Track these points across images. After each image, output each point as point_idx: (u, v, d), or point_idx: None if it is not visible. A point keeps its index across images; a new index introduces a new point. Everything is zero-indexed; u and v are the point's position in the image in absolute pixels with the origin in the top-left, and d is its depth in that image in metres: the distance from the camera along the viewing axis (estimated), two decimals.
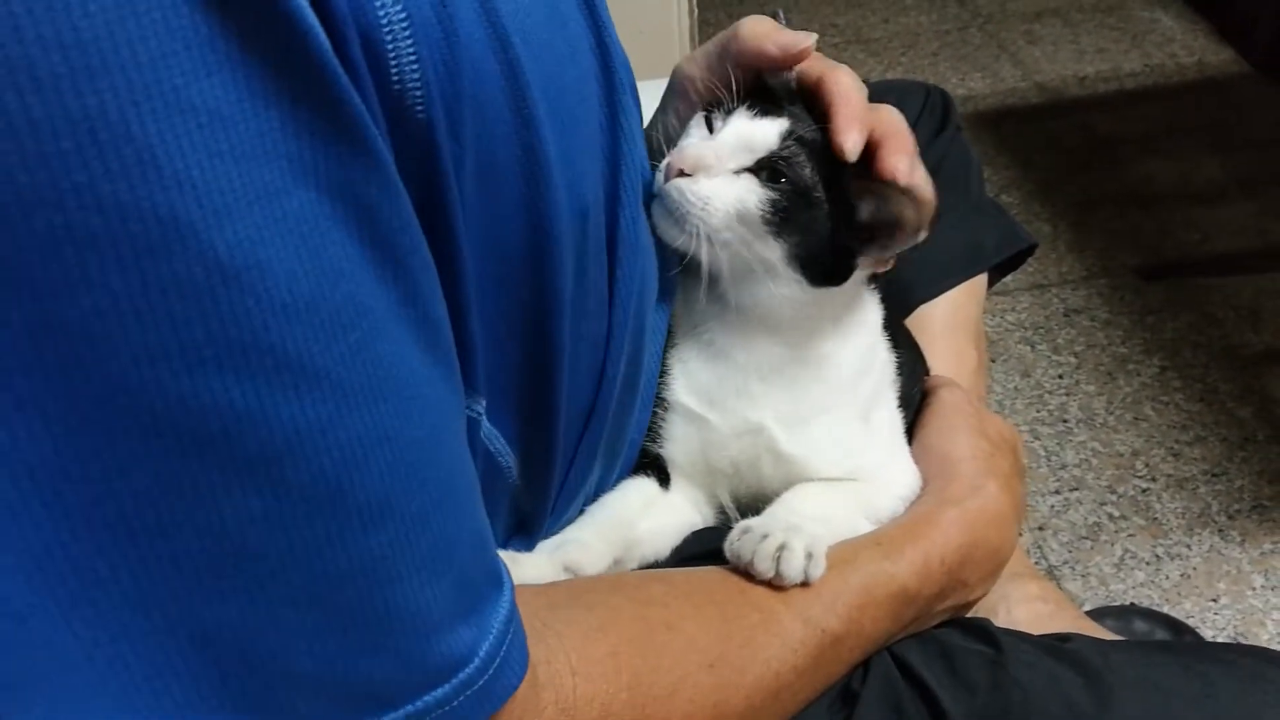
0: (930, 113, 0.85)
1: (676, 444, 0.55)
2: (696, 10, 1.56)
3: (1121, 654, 0.52)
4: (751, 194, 0.50)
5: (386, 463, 0.30)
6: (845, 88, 0.51)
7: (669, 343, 0.56)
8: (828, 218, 0.51)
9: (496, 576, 0.36)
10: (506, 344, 0.41)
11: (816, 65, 0.54)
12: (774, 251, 0.50)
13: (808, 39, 0.52)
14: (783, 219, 0.49)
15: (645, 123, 0.53)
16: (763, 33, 0.52)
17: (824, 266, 0.51)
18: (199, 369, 0.26)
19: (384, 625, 0.31)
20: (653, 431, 0.56)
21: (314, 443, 0.28)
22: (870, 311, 0.57)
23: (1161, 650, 0.55)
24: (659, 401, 0.55)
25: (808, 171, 0.50)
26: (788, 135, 0.51)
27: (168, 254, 0.25)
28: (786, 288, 0.51)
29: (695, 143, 0.52)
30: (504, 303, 0.40)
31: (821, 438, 0.54)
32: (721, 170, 0.50)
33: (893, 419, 0.58)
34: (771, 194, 0.50)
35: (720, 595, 0.46)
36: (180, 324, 0.25)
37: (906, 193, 0.49)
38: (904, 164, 0.50)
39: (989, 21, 2.22)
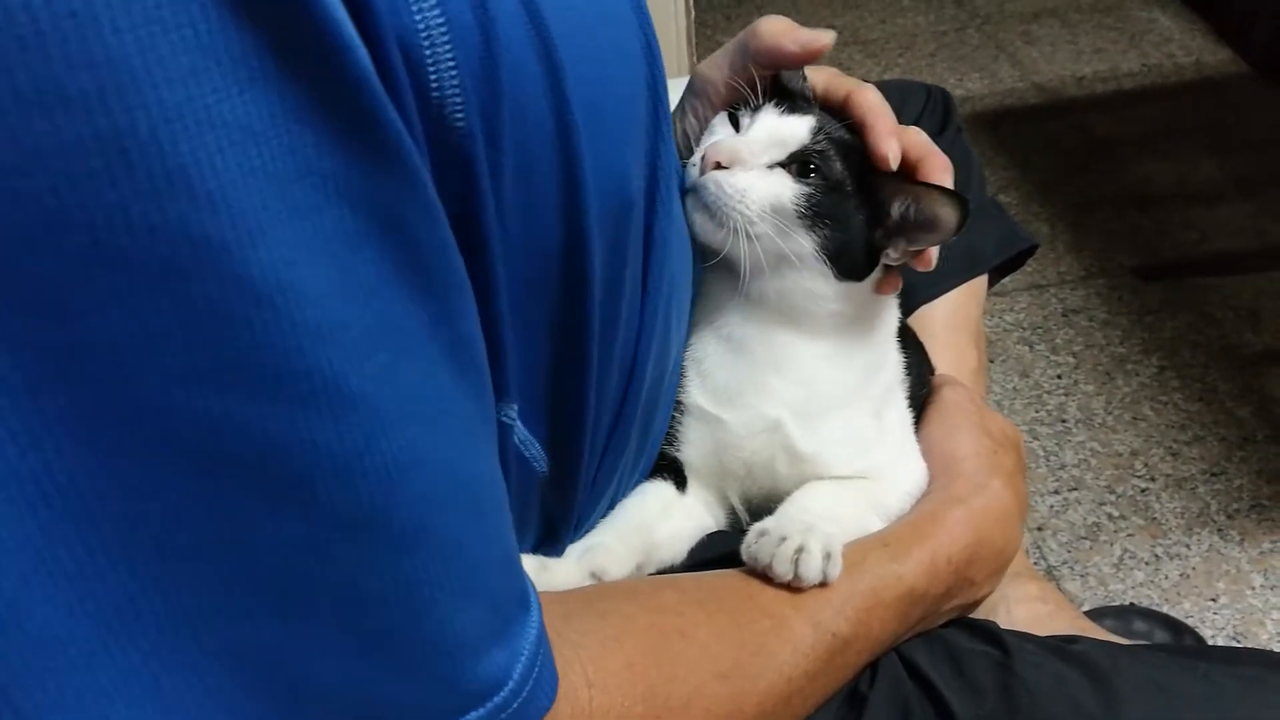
0: (931, 113, 0.85)
1: (692, 446, 0.56)
2: (694, 12, 1.56)
3: (1127, 656, 0.52)
4: (786, 188, 0.51)
5: (422, 485, 0.29)
6: (876, 103, 0.54)
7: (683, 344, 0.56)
8: (857, 211, 0.52)
9: (524, 597, 0.36)
10: (539, 345, 0.41)
11: (843, 83, 0.56)
12: (806, 244, 0.51)
13: (826, 35, 0.53)
14: (815, 212, 0.50)
15: None
16: (780, 30, 0.53)
17: (852, 259, 0.52)
18: (231, 392, 0.26)
19: (419, 649, 0.31)
20: (669, 434, 0.56)
21: (349, 466, 0.28)
22: (889, 313, 0.58)
23: (1167, 652, 0.56)
24: (675, 405, 0.56)
25: (838, 166, 0.51)
26: (818, 130, 0.52)
27: (199, 275, 0.24)
28: (814, 281, 0.52)
29: (728, 137, 0.53)
30: (536, 304, 0.39)
31: (835, 435, 0.55)
32: (755, 165, 0.51)
33: (902, 417, 0.59)
34: (805, 188, 0.51)
35: (731, 602, 0.46)
36: (211, 347, 0.25)
37: (944, 192, 0.51)
38: (948, 181, 0.53)
39: (986, 22, 2.22)
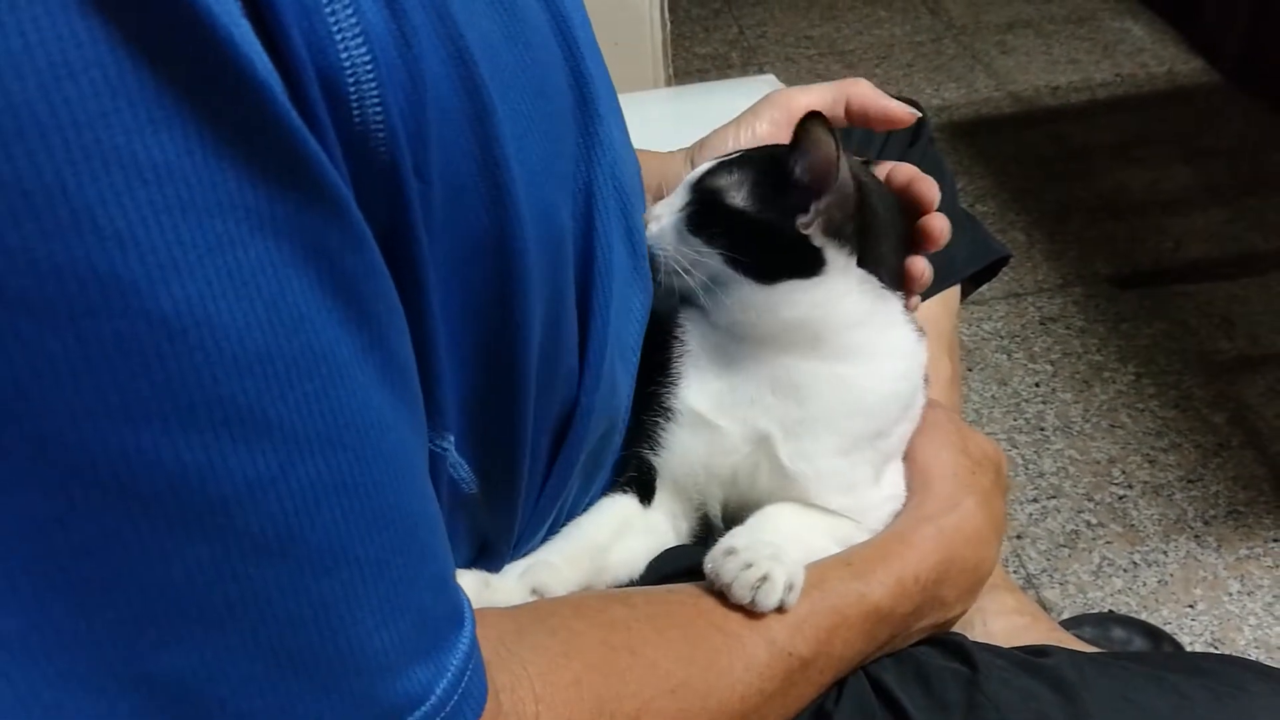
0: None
1: (674, 453, 0.55)
2: (670, 24, 1.56)
3: (1096, 668, 0.52)
4: (683, 219, 0.55)
5: (342, 509, 0.30)
6: (933, 199, 0.58)
7: (681, 350, 0.56)
8: (762, 212, 0.53)
9: (457, 614, 0.36)
10: (473, 376, 0.41)
11: (905, 171, 0.59)
12: (713, 257, 0.53)
13: (916, 113, 0.61)
14: (702, 224, 0.54)
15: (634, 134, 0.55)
16: (880, 95, 0.61)
17: (770, 258, 0.52)
18: (143, 425, 0.26)
19: (336, 668, 0.31)
20: (649, 440, 0.55)
21: (265, 492, 0.28)
22: (900, 331, 0.56)
23: (1137, 663, 0.55)
24: (660, 411, 0.55)
25: (722, 180, 0.54)
26: (715, 165, 0.56)
27: (108, 313, 0.24)
28: (740, 289, 0.53)
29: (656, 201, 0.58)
30: (471, 335, 0.39)
31: (825, 462, 0.53)
32: (670, 214, 0.56)
33: (897, 476, 0.57)
34: (690, 208, 0.55)
35: (682, 617, 0.46)
36: (122, 381, 0.25)
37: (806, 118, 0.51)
38: (935, 194, 0.57)
39: (962, 33, 2.24)
